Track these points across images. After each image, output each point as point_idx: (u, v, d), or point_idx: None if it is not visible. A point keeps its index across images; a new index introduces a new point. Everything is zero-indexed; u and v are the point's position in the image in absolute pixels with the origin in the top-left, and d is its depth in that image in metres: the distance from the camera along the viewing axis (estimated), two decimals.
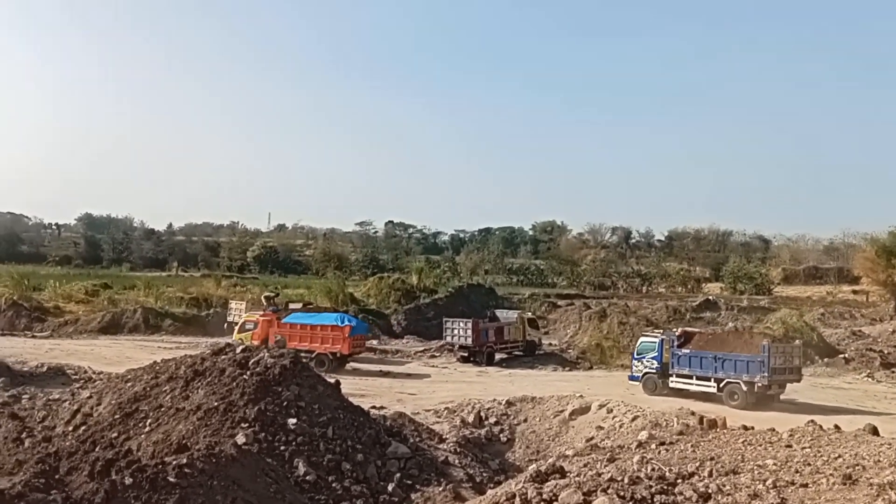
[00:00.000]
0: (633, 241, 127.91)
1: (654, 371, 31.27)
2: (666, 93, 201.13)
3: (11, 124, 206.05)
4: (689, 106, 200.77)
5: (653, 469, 12.36)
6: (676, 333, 32.34)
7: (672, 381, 30.65)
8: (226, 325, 46.59)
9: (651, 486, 11.33)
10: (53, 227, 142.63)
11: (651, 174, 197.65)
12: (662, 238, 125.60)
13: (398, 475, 18.71)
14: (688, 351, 30.40)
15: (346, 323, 38.75)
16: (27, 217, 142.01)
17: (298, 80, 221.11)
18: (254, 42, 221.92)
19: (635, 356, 32.47)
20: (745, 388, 28.50)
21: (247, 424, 18.60)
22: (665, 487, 11.43)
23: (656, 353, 31.31)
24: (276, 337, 37.29)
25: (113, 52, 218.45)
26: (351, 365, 38.41)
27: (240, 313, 46.33)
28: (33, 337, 46.24)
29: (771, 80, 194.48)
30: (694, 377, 29.99)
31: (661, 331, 35.22)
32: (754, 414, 25.08)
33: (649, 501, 11.04)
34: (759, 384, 28.30)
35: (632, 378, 32.31)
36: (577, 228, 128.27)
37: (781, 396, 29.42)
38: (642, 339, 33.34)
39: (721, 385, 29.16)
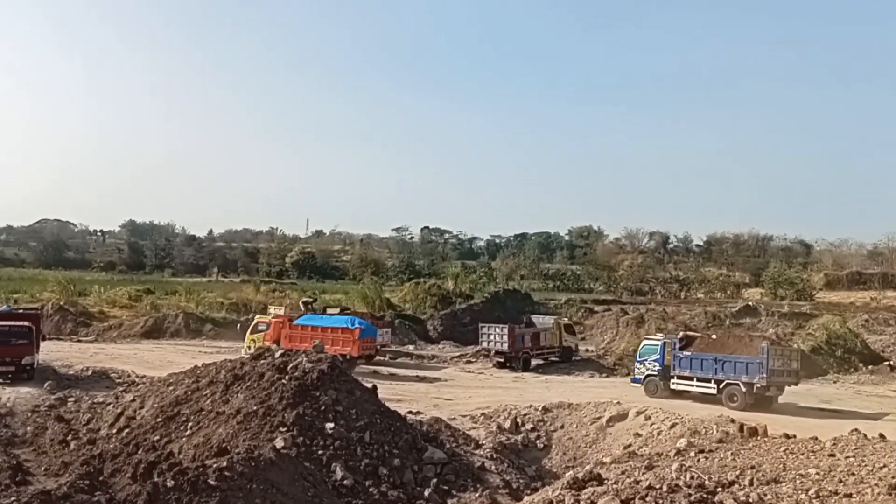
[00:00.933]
0: (671, 245, 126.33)
1: (655, 373, 31.60)
2: (705, 95, 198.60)
3: (62, 134, 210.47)
4: (728, 108, 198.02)
5: (692, 477, 12.22)
6: (678, 336, 32.94)
7: (673, 383, 31.01)
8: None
9: (690, 495, 11.19)
10: (98, 233, 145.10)
11: (690, 178, 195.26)
12: (701, 243, 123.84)
13: (435, 480, 18.77)
14: (689, 353, 30.83)
15: (357, 325, 39.20)
16: (73, 224, 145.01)
17: (334, 87, 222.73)
18: (291, 51, 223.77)
19: (638, 359, 32.87)
20: (744, 390, 28.85)
21: (285, 428, 18.79)
22: (704, 496, 11.27)
23: (658, 356, 31.69)
24: (314, 342, 37.54)
25: (160, 65, 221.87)
26: (388, 370, 38.58)
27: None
28: (79, 341, 47.00)
29: (814, 80, 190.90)
30: (695, 379, 30.38)
31: (664, 334, 35.40)
32: (795, 421, 24.66)
33: None
34: (758, 385, 28.67)
35: (634, 381, 32.71)
36: (614, 233, 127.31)
37: (780, 398, 29.83)
38: (645, 342, 33.73)
39: (721, 386, 29.52)
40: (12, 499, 14.07)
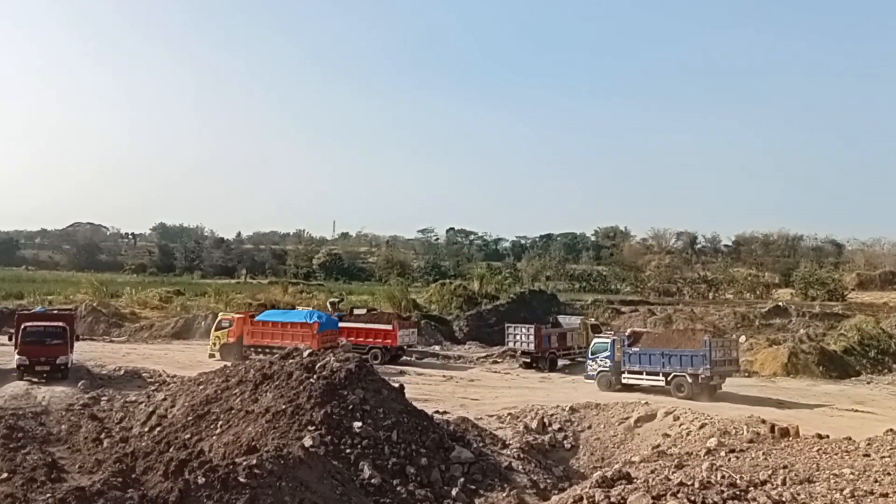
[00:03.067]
0: (699, 246, 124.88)
1: (607, 369, 33.03)
2: (732, 92, 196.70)
3: (94, 139, 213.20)
4: (756, 105, 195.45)
5: (723, 476, 12.10)
6: (626, 334, 34.74)
7: (624, 378, 32.62)
8: None
9: (723, 492, 11.09)
10: (130, 236, 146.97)
11: (718, 178, 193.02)
12: (729, 243, 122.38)
13: (462, 480, 18.80)
14: (637, 349, 32.58)
15: (315, 320, 39.87)
16: (105, 227, 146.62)
17: (361, 90, 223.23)
18: (319, 54, 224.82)
19: (590, 357, 34.27)
20: (690, 381, 30.72)
21: (313, 427, 18.96)
22: (737, 493, 11.16)
23: (609, 353, 33.13)
24: (341, 341, 37.84)
25: (191, 70, 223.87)
26: (415, 370, 38.71)
27: None
28: (111, 341, 47.67)
29: (846, 75, 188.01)
30: (644, 373, 32.17)
31: (613, 332, 37.09)
32: (828, 422, 24.37)
33: None
34: (703, 376, 30.53)
35: (587, 377, 34.08)
36: (641, 234, 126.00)
37: (723, 386, 31.77)
38: (595, 340, 35.25)
39: (669, 378, 31.33)
40: (48, 495, 14.37)
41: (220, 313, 45.43)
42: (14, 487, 16.72)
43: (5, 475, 18.97)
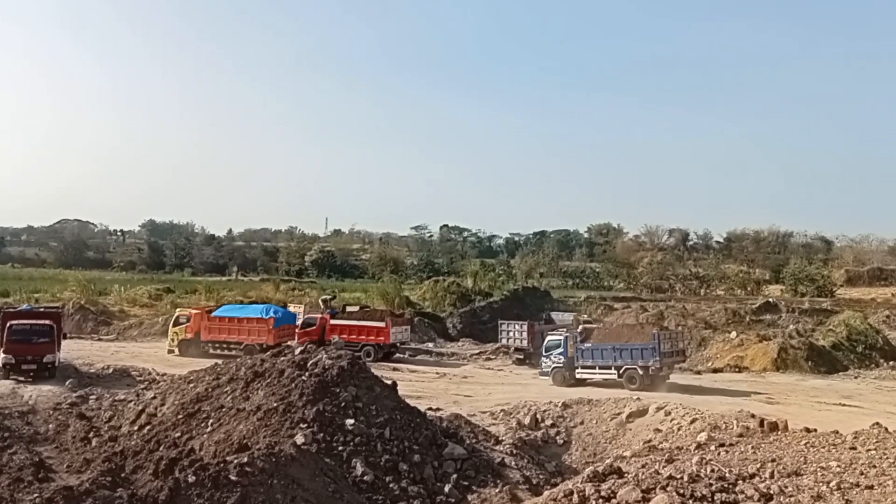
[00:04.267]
0: (691, 242, 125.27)
1: (561, 365, 33.70)
2: (723, 88, 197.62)
3: (81, 135, 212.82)
4: (746, 103, 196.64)
5: (712, 469, 12.18)
6: (578, 330, 35.32)
7: (578, 373, 33.39)
8: None
9: (711, 485, 11.17)
10: (118, 233, 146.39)
11: (710, 175, 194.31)
12: (721, 240, 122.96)
13: (455, 476, 18.80)
14: (590, 344, 33.39)
15: (271, 315, 40.14)
16: (93, 224, 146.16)
17: (352, 85, 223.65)
18: (309, 49, 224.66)
19: (543, 353, 34.79)
20: (641, 373, 31.72)
21: (305, 425, 18.92)
22: (726, 486, 11.25)
23: (562, 349, 33.81)
24: (333, 338, 37.77)
25: (179, 65, 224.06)
26: (408, 367, 38.67)
27: (298, 316, 47.06)
28: (99, 340, 47.41)
29: (833, 74, 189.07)
30: (597, 367, 33.00)
31: (565, 329, 37.51)
32: (816, 416, 24.47)
33: (709, 499, 10.86)
34: (653, 367, 31.64)
35: (542, 374, 34.66)
36: (634, 231, 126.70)
37: (671, 376, 33.00)
38: (549, 337, 35.63)
39: (621, 371, 32.25)
40: (35, 495, 14.31)
41: (178, 309, 45.52)
42: (1, 487, 16.67)
43: None
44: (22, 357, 30.11)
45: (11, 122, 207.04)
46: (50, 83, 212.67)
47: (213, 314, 41.47)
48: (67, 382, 29.12)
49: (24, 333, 30.93)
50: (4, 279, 74.48)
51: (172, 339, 41.27)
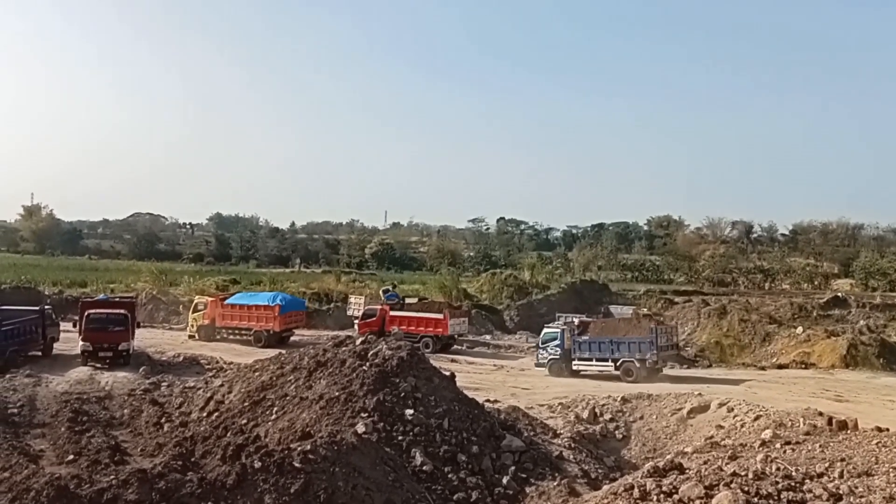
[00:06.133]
0: (755, 235, 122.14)
1: (557, 357, 34.72)
2: (788, 78, 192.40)
3: (156, 132, 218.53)
4: (816, 89, 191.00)
5: (778, 468, 11.90)
6: (576, 323, 36.56)
7: (574, 365, 34.47)
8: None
9: (777, 483, 10.92)
10: (187, 226, 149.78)
11: (775, 165, 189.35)
12: (787, 232, 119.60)
13: (513, 468, 18.89)
14: (587, 337, 34.61)
15: (277, 302, 41.53)
16: (164, 217, 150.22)
17: (416, 79, 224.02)
18: (386, 38, 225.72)
19: (540, 345, 35.96)
20: (638, 366, 32.86)
21: (366, 414, 19.24)
22: (792, 485, 10.94)
23: (559, 342, 34.89)
24: (392, 329, 38.23)
25: (256, 60, 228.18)
26: (465, 359, 38.88)
27: (359, 307, 47.78)
28: (170, 329, 48.56)
29: None
30: (594, 359, 34.16)
31: (563, 322, 38.59)
32: (888, 415, 23.85)
33: (776, 498, 10.54)
34: (650, 361, 32.84)
35: (538, 364, 35.69)
36: (695, 223, 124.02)
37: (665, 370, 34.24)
38: (545, 330, 36.81)
39: (618, 364, 33.33)
40: (111, 477, 14.74)
41: (196, 297, 46.96)
42: (80, 469, 17.32)
43: (71, 457, 19.88)
44: (99, 345, 31.31)
45: (88, 118, 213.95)
46: (127, 79, 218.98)
47: (227, 302, 43.26)
48: (141, 369, 30.12)
49: (100, 322, 32.19)
50: (82, 270, 76.70)
51: (192, 325, 43.08)
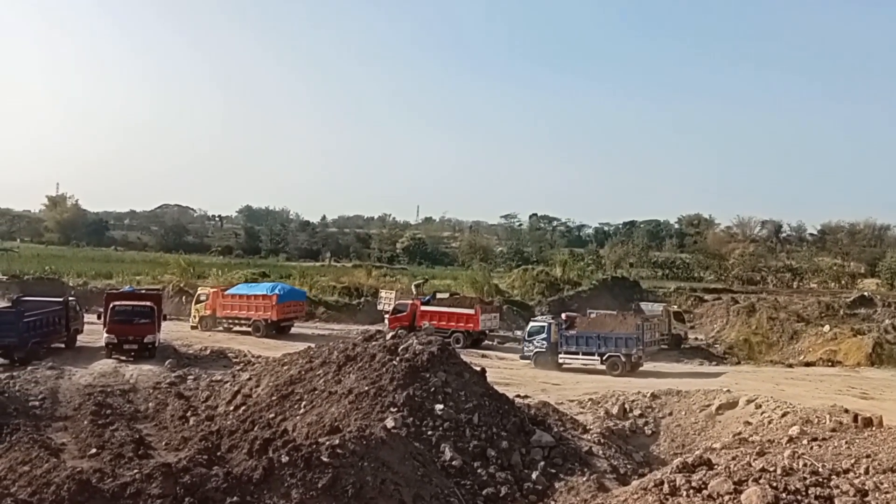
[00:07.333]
0: (784, 234, 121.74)
1: (543, 349, 35.11)
2: (820, 72, 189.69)
3: (183, 124, 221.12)
4: (844, 93, 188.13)
5: (805, 463, 11.87)
6: (563, 317, 37.44)
7: (561, 358, 34.82)
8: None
9: (805, 479, 10.90)
10: (216, 218, 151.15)
11: (804, 165, 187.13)
12: (815, 232, 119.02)
13: (542, 463, 18.76)
14: (574, 332, 35.27)
15: (275, 292, 42.26)
16: (193, 209, 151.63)
17: (444, 78, 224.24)
18: (411, 39, 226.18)
19: (526, 338, 36.40)
20: (623, 360, 33.52)
21: (395, 409, 19.16)
22: (820, 481, 10.96)
23: (545, 335, 35.34)
24: (423, 324, 38.23)
25: (286, 55, 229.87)
26: (496, 354, 38.75)
27: (389, 302, 47.85)
28: None
29: None
30: (580, 353, 34.64)
31: (551, 316, 39.52)
32: None
33: (803, 493, 10.59)
34: (636, 356, 33.81)
35: (523, 357, 36.09)
36: (725, 222, 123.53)
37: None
38: (532, 323, 37.71)
39: (604, 358, 33.91)
40: (135, 471, 14.68)
41: (199, 288, 47.58)
42: (102, 463, 17.16)
43: (94, 451, 19.64)
44: (124, 337, 31.13)
45: (118, 110, 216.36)
46: (156, 71, 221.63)
47: (227, 292, 43.99)
48: (167, 362, 29.97)
49: (126, 314, 32.00)
50: (107, 262, 76.95)
51: (195, 316, 43.66)
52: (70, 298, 36.10)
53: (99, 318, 33.56)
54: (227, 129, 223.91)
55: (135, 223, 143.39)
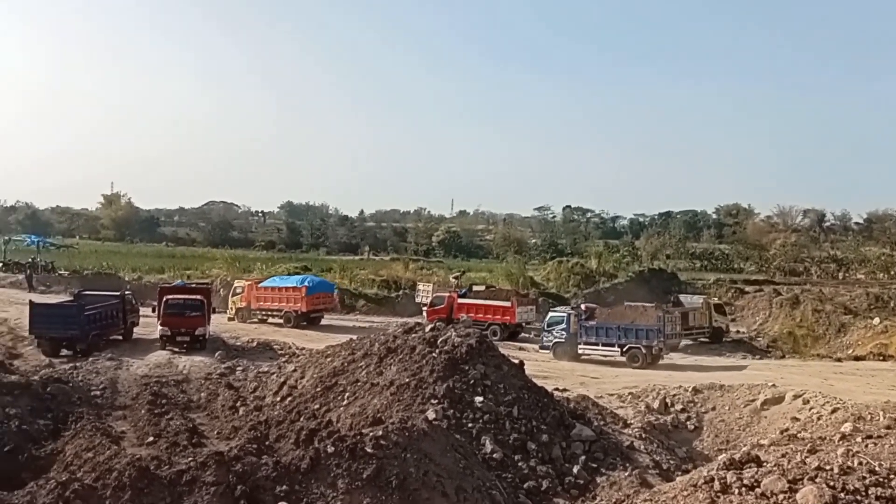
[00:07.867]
0: (828, 224, 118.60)
1: (563, 340, 35.18)
2: (863, 57, 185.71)
3: (230, 123, 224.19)
4: (885, 76, 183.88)
5: (860, 462, 11.54)
6: (583, 308, 37.38)
7: (580, 349, 34.69)
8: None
9: (864, 478, 10.60)
10: (259, 214, 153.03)
11: (848, 153, 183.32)
12: (861, 221, 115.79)
13: (583, 458, 18.82)
14: (594, 323, 34.99)
15: (304, 284, 43.21)
16: (237, 206, 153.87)
17: (478, 72, 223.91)
18: (447, 31, 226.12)
19: (545, 328, 36.51)
20: (644, 352, 33.31)
21: (436, 401, 19.38)
22: (879, 480, 10.67)
23: (565, 326, 35.37)
24: (461, 316, 38.34)
25: (329, 52, 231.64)
26: (533, 346, 38.77)
27: (427, 294, 48.11)
28: None
29: None
30: (600, 344, 34.47)
31: (571, 306, 40.01)
32: None
33: (863, 493, 10.34)
34: (656, 348, 33.48)
35: (542, 347, 36.22)
36: (765, 211, 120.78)
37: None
38: (551, 313, 37.77)
39: (624, 350, 33.72)
40: (190, 459, 15.23)
41: (236, 281, 48.08)
42: (159, 450, 17.94)
43: (151, 439, 20.53)
44: (177, 329, 32.09)
45: (168, 112, 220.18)
46: (203, 74, 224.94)
47: (260, 285, 44.76)
48: (217, 354, 30.76)
49: (178, 307, 32.96)
50: (159, 257, 79.27)
51: (231, 308, 44.27)
52: (126, 292, 37.27)
53: (153, 311, 34.58)
54: (270, 128, 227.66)
55: (183, 220, 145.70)
